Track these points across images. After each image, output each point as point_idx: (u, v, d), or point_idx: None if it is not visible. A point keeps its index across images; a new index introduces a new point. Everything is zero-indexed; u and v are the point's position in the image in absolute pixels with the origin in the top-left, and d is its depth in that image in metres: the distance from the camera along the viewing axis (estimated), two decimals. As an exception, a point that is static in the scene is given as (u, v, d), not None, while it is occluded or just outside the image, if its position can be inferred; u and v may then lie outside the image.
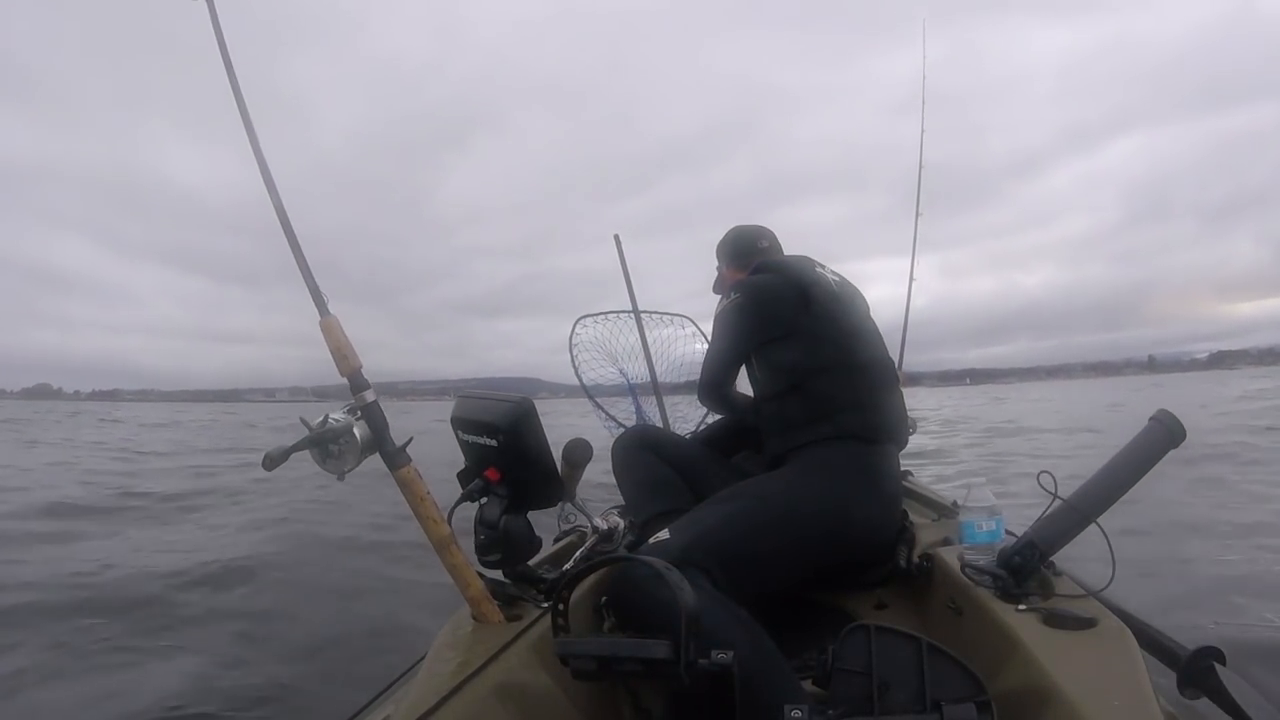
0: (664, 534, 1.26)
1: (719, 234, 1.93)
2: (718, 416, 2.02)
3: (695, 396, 2.43)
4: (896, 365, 1.85)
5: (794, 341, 1.52)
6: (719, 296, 1.83)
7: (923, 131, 3.05)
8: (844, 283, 1.67)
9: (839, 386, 1.46)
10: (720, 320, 1.67)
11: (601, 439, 1.87)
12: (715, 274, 1.94)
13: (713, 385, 1.72)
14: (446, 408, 1.29)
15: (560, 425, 1.77)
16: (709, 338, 2.50)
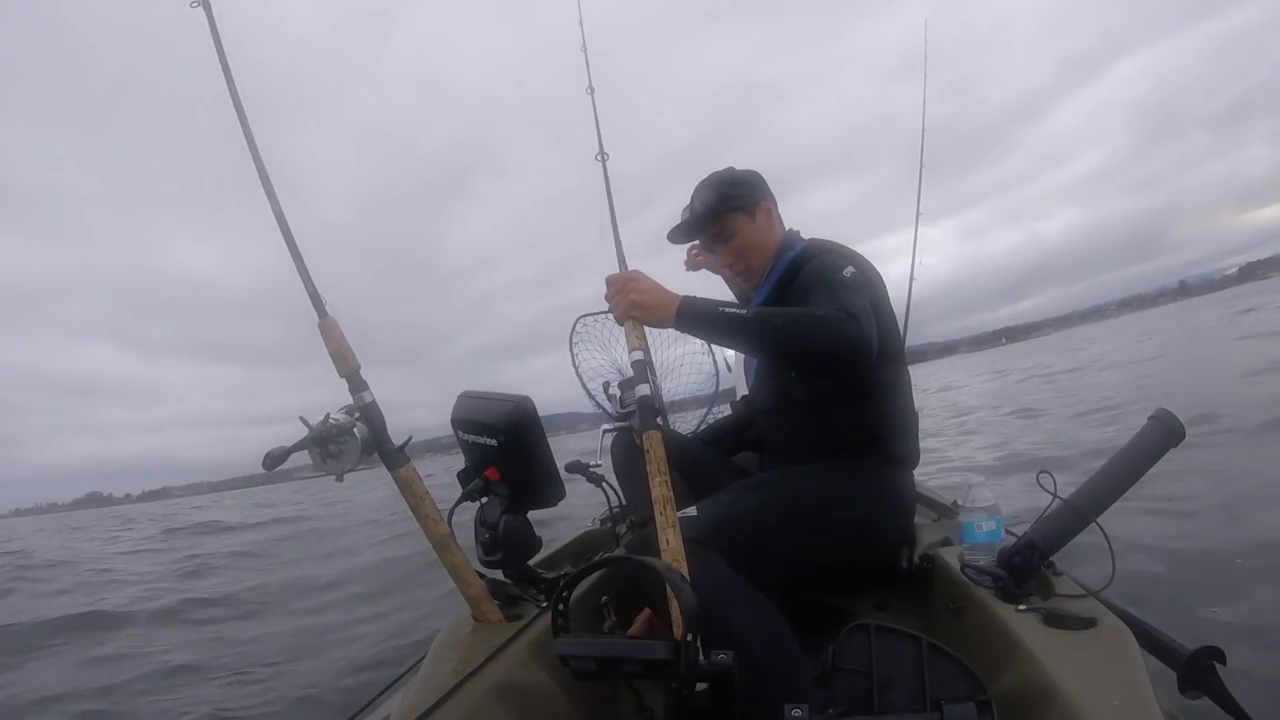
0: (691, 510, 1.22)
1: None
2: (718, 416, 2.00)
3: (695, 393, 2.42)
4: (902, 341, 1.70)
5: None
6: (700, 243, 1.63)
7: (923, 135, 3.05)
8: None
9: (889, 404, 1.42)
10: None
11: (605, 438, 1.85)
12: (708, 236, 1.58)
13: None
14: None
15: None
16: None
